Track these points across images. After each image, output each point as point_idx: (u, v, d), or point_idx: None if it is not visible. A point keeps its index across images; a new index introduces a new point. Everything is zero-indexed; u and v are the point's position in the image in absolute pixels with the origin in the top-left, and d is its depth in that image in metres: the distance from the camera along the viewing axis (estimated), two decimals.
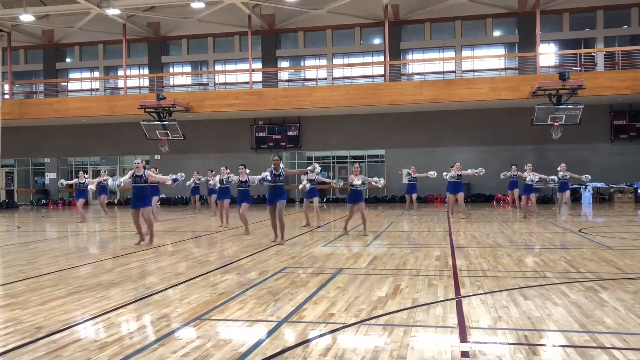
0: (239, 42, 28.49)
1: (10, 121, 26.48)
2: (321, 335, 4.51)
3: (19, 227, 16.64)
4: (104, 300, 5.89)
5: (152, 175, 11.23)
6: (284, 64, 28.94)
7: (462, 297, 5.81)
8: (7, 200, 28.56)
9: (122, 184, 11.01)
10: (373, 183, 12.43)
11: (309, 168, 12.26)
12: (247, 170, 12.41)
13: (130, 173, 10.96)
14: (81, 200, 17.74)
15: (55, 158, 29.91)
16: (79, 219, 17.18)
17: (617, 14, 25.36)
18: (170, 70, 29.87)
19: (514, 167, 18.49)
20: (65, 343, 4.38)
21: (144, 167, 10.99)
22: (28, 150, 29.92)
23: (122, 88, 27.61)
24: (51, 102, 26.85)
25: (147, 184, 10.91)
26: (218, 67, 29.17)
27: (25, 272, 7.76)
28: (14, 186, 30.79)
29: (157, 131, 24.19)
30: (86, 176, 18.10)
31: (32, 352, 4.17)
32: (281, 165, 10.47)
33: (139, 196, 10.78)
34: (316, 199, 14.66)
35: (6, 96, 28.12)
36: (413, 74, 27.37)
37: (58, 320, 5.06)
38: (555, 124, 21.32)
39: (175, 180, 11.80)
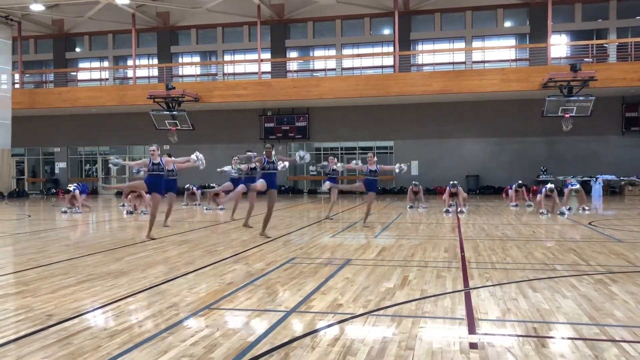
0: (248, 32, 28.43)
1: (21, 110, 26.63)
2: (329, 326, 4.52)
3: (29, 216, 16.78)
4: (114, 288, 5.93)
5: (171, 160, 10.79)
6: (293, 54, 28.86)
7: (471, 288, 5.79)
8: (17, 189, 28.80)
9: (123, 165, 10.25)
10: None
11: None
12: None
13: (142, 161, 10.33)
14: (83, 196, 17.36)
15: (65, 147, 30.08)
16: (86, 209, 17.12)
17: (630, 4, 25.03)
18: (180, 60, 29.88)
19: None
20: (75, 331, 4.42)
21: (160, 155, 10.26)
22: (38, 140, 30.10)
23: (131, 78, 27.65)
24: (61, 91, 26.96)
25: (163, 173, 10.19)
26: (227, 58, 29.15)
27: (36, 261, 7.83)
28: (24, 175, 31.02)
29: (166, 121, 24.25)
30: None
31: (43, 339, 4.21)
32: (273, 153, 10.34)
33: (157, 186, 10.17)
34: (335, 190, 14.26)
35: (16, 85, 28.28)
36: (423, 65, 27.22)
37: (68, 308, 5.10)
38: (566, 115, 21.15)
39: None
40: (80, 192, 17.02)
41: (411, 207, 17.20)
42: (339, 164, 13.39)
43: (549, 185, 14.70)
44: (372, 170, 11.78)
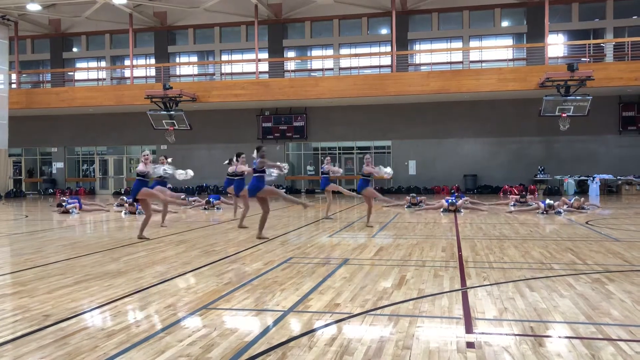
0: (246, 32, 28.41)
1: (18, 110, 26.59)
2: (327, 325, 4.52)
3: (27, 216, 16.74)
4: (111, 288, 5.93)
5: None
6: (291, 54, 28.85)
7: (468, 288, 5.80)
8: (14, 189, 28.74)
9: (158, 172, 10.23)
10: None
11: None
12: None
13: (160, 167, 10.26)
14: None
15: (63, 147, 30.02)
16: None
17: (627, 4, 25.10)
18: (177, 60, 29.85)
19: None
20: (72, 331, 4.42)
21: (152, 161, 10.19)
22: (35, 140, 30.04)
23: (128, 78, 27.62)
24: (58, 91, 26.92)
25: (149, 180, 10.19)
26: (224, 57, 29.13)
27: (33, 261, 7.82)
28: (21, 175, 30.97)
29: (163, 121, 24.24)
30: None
31: (40, 339, 4.21)
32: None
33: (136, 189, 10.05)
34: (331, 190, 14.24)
35: (13, 85, 28.21)
36: (420, 65, 27.23)
37: (66, 309, 5.09)
38: (563, 115, 21.20)
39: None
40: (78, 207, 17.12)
41: (409, 207, 17.18)
42: (335, 167, 13.53)
43: (549, 201, 14.77)
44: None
